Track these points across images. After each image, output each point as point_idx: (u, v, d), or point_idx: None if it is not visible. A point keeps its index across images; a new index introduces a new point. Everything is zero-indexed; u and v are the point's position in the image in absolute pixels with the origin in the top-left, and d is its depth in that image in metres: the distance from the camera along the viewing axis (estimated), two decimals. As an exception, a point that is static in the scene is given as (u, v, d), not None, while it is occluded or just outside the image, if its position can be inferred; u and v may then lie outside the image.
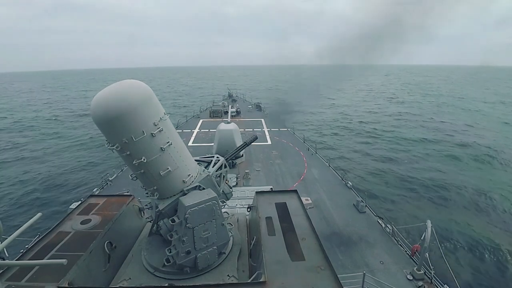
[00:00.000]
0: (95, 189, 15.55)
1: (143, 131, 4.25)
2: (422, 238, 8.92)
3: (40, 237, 5.41)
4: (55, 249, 5.00)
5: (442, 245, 9.37)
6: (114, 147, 4.29)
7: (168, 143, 4.63)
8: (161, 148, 4.53)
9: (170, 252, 4.84)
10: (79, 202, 7.35)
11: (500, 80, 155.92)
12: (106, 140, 4.46)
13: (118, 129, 4.16)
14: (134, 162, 4.39)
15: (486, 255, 16.08)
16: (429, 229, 8.65)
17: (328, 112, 60.18)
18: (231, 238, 5.77)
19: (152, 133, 4.36)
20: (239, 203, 11.22)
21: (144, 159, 4.38)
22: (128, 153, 4.35)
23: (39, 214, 4.15)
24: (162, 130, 4.51)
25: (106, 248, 5.21)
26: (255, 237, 5.70)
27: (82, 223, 5.78)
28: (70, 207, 9.62)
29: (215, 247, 5.11)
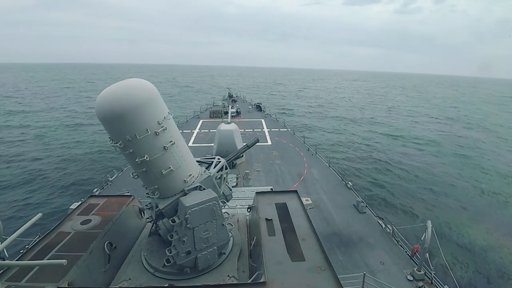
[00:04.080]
0: (95, 189, 15.53)
1: (147, 129, 4.27)
2: (422, 238, 8.91)
3: (40, 238, 5.41)
4: (55, 249, 5.00)
5: (442, 245, 9.35)
6: (117, 145, 4.29)
7: (171, 142, 4.63)
8: (164, 147, 4.54)
9: (170, 253, 4.84)
10: (79, 202, 7.34)
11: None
12: (109, 137, 4.47)
13: (122, 127, 4.17)
14: (136, 160, 4.40)
15: (486, 256, 16.07)
16: (429, 230, 8.64)
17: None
18: (231, 238, 5.77)
19: (156, 132, 4.37)
20: (239, 204, 11.22)
21: (146, 157, 4.39)
22: (131, 150, 4.36)
23: (39, 215, 4.15)
24: (166, 129, 4.52)
25: (106, 248, 5.21)
26: (255, 237, 5.70)
27: (82, 223, 5.78)
28: (70, 207, 9.61)
29: (215, 248, 5.10)
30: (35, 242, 5.32)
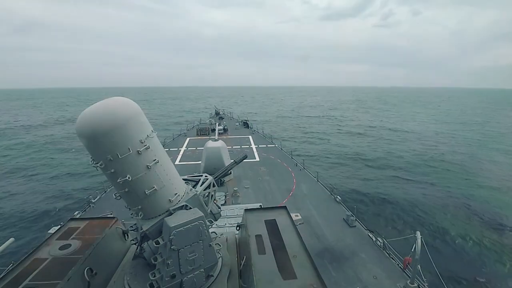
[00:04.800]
0: (77, 212, 14.87)
1: (129, 148, 4.14)
2: (412, 250, 8.90)
3: (14, 266, 5.03)
4: (29, 278, 4.64)
5: (433, 256, 9.37)
6: (98, 165, 4.13)
7: (155, 161, 4.50)
8: (147, 166, 4.40)
9: (154, 276, 4.58)
10: (59, 226, 6.96)
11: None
12: (91, 157, 4.31)
13: (103, 146, 4.04)
14: (118, 180, 4.23)
15: (479, 264, 16.24)
16: (419, 240, 8.65)
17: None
18: (220, 259, 5.55)
19: (138, 151, 4.24)
20: (228, 222, 10.96)
21: (129, 177, 4.22)
22: (112, 170, 4.20)
23: (11, 240, 3.87)
24: (149, 148, 4.40)
25: (85, 275, 4.89)
26: (245, 256, 5.51)
27: (61, 248, 5.44)
28: (48, 231, 9.09)
29: (202, 270, 4.88)
30: (7, 271, 4.94)
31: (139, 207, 4.67)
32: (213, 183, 5.96)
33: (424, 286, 8.98)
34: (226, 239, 6.81)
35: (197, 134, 35.94)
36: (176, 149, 28.91)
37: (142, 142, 4.30)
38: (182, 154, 27.18)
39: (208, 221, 5.40)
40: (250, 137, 34.25)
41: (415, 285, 9.08)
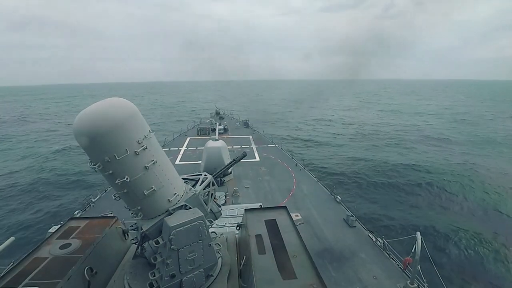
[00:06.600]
0: (77, 211, 14.89)
1: (126, 150, 4.13)
2: (413, 250, 8.90)
3: (14, 265, 5.05)
4: (29, 276, 4.65)
5: (433, 256, 9.38)
6: (96, 166, 4.14)
7: (153, 161, 4.50)
8: (145, 166, 4.40)
9: (153, 276, 4.59)
10: (59, 225, 6.98)
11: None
12: (89, 159, 4.31)
13: (100, 147, 4.03)
14: (116, 182, 4.24)
15: (481, 265, 16.22)
16: (419, 241, 8.65)
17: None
18: (220, 259, 5.55)
19: (135, 152, 4.23)
20: (228, 222, 10.97)
21: (127, 178, 4.22)
22: (110, 172, 4.20)
23: (11, 239, 3.87)
24: (146, 148, 4.40)
25: (86, 274, 4.90)
26: (245, 256, 5.52)
27: (61, 247, 5.45)
28: (49, 231, 9.10)
29: (201, 270, 4.88)
30: (7, 270, 4.95)
31: (139, 207, 4.68)
32: (213, 182, 5.97)
33: (424, 286, 8.97)
34: (226, 239, 6.81)
35: (198, 134, 35.96)
36: (177, 148, 28.91)
37: (139, 143, 4.29)
38: (182, 154, 27.18)
39: (208, 220, 5.40)
40: (250, 136, 34.27)
41: (415, 285, 9.08)
